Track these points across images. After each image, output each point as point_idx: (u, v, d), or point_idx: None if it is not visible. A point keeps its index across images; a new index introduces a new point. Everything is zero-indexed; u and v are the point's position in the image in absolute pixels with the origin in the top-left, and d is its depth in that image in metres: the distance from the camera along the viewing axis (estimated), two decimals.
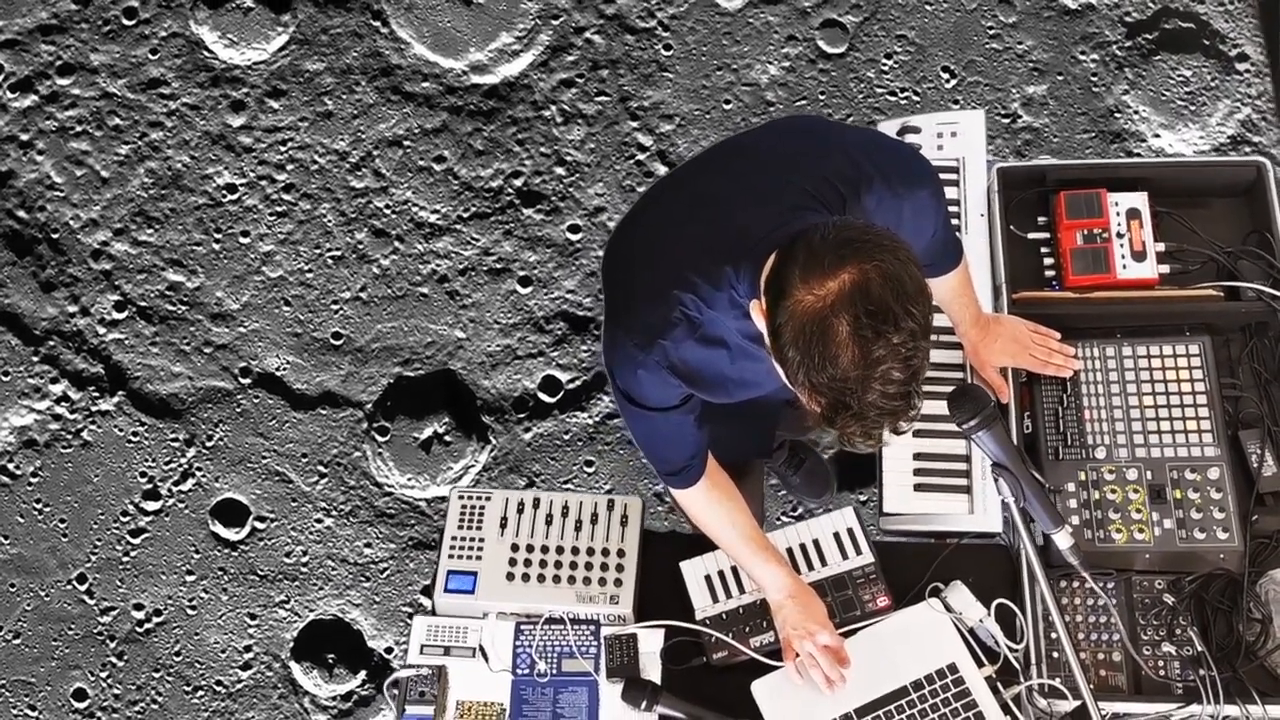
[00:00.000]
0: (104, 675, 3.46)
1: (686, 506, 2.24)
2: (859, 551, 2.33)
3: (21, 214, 3.91)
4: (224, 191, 3.88)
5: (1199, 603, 2.18)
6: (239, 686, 3.44)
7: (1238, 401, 2.34)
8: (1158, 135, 3.74)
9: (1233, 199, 2.53)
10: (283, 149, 3.91)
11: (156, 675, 3.46)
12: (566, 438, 3.57)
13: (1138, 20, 3.87)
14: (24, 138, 3.98)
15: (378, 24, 4.02)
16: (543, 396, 3.62)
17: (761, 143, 2.06)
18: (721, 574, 2.33)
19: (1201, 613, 2.17)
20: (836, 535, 2.34)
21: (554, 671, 2.27)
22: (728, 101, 3.86)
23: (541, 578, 2.34)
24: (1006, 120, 3.77)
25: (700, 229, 1.92)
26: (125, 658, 3.47)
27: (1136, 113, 3.77)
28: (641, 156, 3.82)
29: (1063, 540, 1.91)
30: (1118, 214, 2.45)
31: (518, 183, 3.83)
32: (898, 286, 1.59)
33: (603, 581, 2.32)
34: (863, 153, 1.94)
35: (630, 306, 1.95)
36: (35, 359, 3.76)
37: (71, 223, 3.88)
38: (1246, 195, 2.52)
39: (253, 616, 3.49)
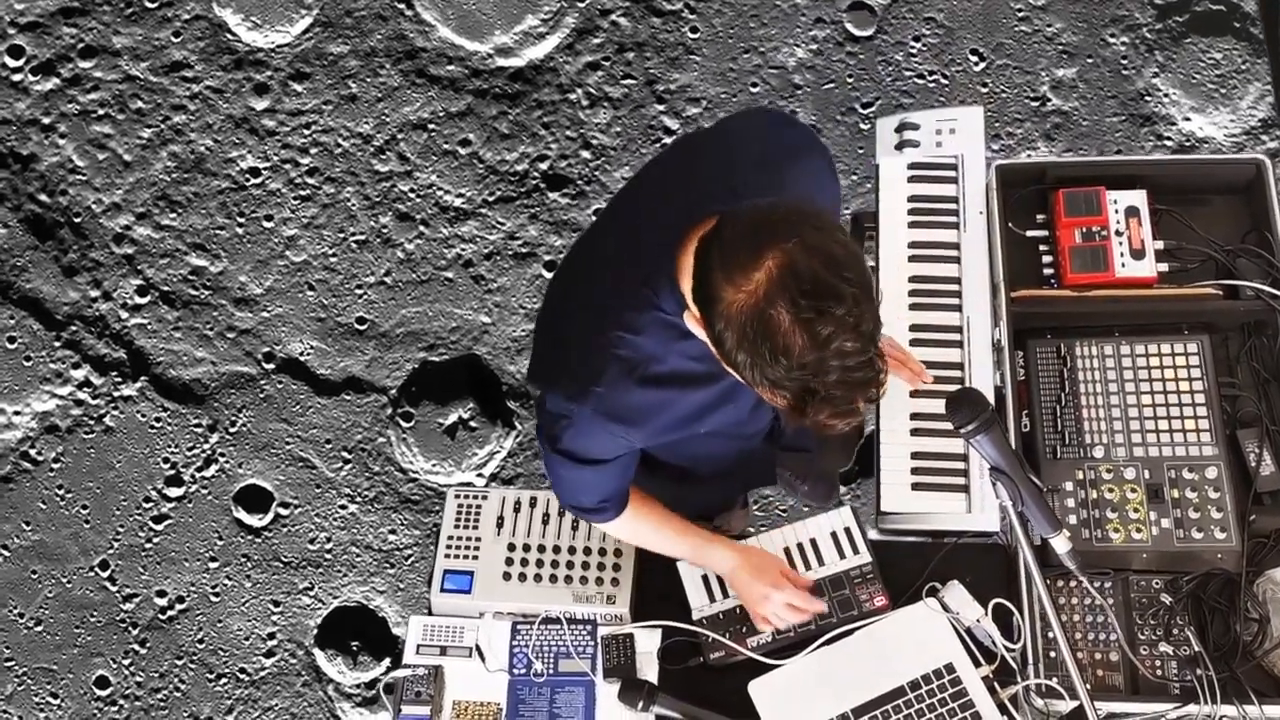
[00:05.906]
0: (126, 663, 3.43)
1: (612, 533, 2.25)
2: (856, 551, 2.32)
3: (43, 198, 3.88)
4: (247, 175, 3.85)
5: (1196, 602, 2.16)
6: (262, 674, 3.40)
7: (1236, 401, 2.32)
8: (1188, 119, 3.71)
9: (1232, 197, 2.51)
10: (306, 132, 3.88)
11: (179, 663, 3.42)
12: None
13: (1168, 2, 3.83)
14: (46, 121, 3.95)
15: (402, 6, 3.99)
16: None
17: (649, 173, 1.99)
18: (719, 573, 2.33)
19: (1199, 612, 2.16)
20: (834, 535, 2.34)
21: (550, 671, 2.27)
22: (754, 85, 3.82)
23: (538, 577, 2.33)
24: (1036, 104, 3.73)
25: (608, 266, 1.86)
26: (148, 645, 3.44)
27: (1167, 96, 3.73)
28: (668, 140, 3.79)
29: (1060, 545, 1.91)
30: (1116, 212, 2.43)
31: (543, 166, 3.80)
32: (825, 256, 1.48)
33: (599, 581, 2.32)
34: (738, 140, 1.89)
35: (558, 361, 1.87)
36: (57, 344, 3.73)
37: (94, 207, 3.85)
38: (1246, 193, 2.50)
39: (276, 603, 3.45)
